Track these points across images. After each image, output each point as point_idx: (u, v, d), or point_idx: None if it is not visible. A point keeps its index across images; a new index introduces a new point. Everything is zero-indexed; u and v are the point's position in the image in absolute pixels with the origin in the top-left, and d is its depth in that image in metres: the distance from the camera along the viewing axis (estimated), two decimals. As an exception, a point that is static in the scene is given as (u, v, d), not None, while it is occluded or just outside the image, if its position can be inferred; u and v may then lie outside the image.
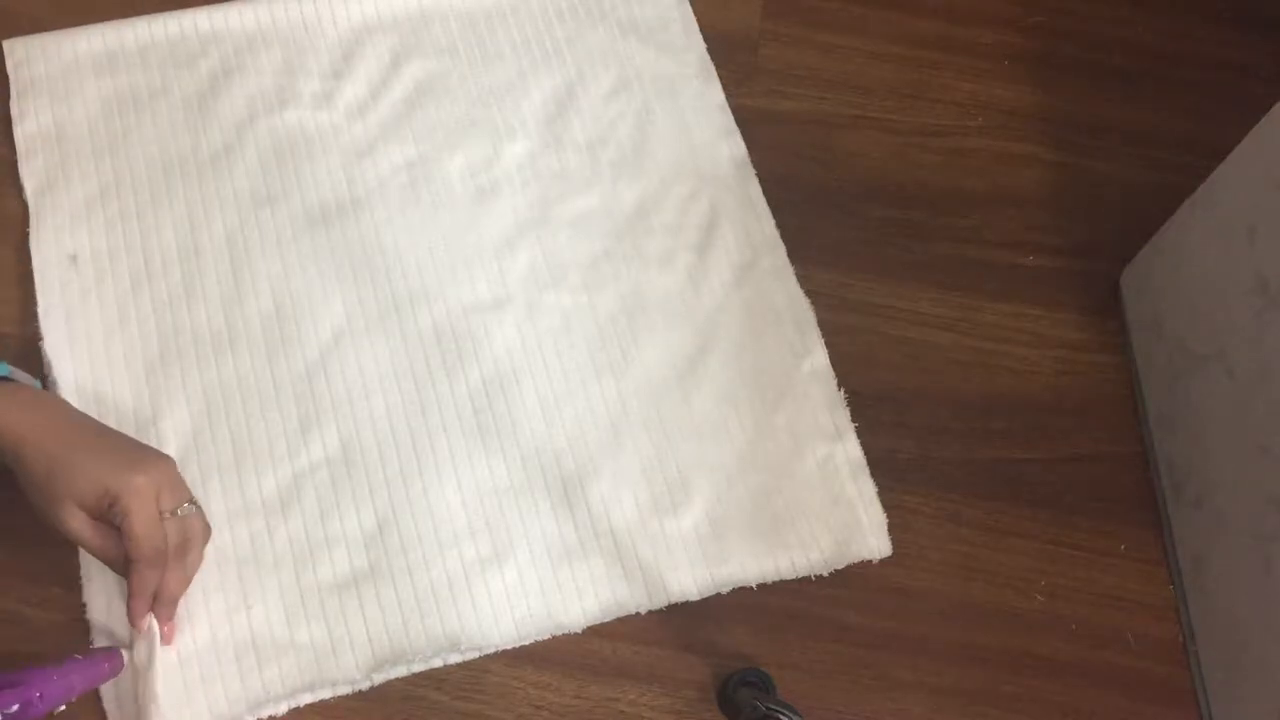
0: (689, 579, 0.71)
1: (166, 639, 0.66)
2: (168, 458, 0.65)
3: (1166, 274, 0.78)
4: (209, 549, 0.68)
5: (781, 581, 0.72)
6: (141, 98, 0.82)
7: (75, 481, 0.61)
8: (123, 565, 0.63)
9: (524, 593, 0.70)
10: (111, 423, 0.69)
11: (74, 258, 0.76)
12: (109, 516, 0.62)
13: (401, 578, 0.70)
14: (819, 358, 0.78)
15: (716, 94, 0.87)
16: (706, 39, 0.89)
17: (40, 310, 0.74)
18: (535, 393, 0.75)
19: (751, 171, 0.84)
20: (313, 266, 0.78)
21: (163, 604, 0.65)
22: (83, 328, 0.74)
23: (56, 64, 0.82)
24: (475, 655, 0.68)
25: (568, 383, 0.76)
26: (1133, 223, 0.82)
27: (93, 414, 0.68)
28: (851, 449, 0.76)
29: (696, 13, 0.90)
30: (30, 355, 0.73)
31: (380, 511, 0.71)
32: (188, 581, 0.66)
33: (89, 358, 0.73)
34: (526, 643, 0.69)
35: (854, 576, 0.72)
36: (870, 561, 0.73)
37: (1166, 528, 0.75)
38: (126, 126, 0.81)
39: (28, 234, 0.77)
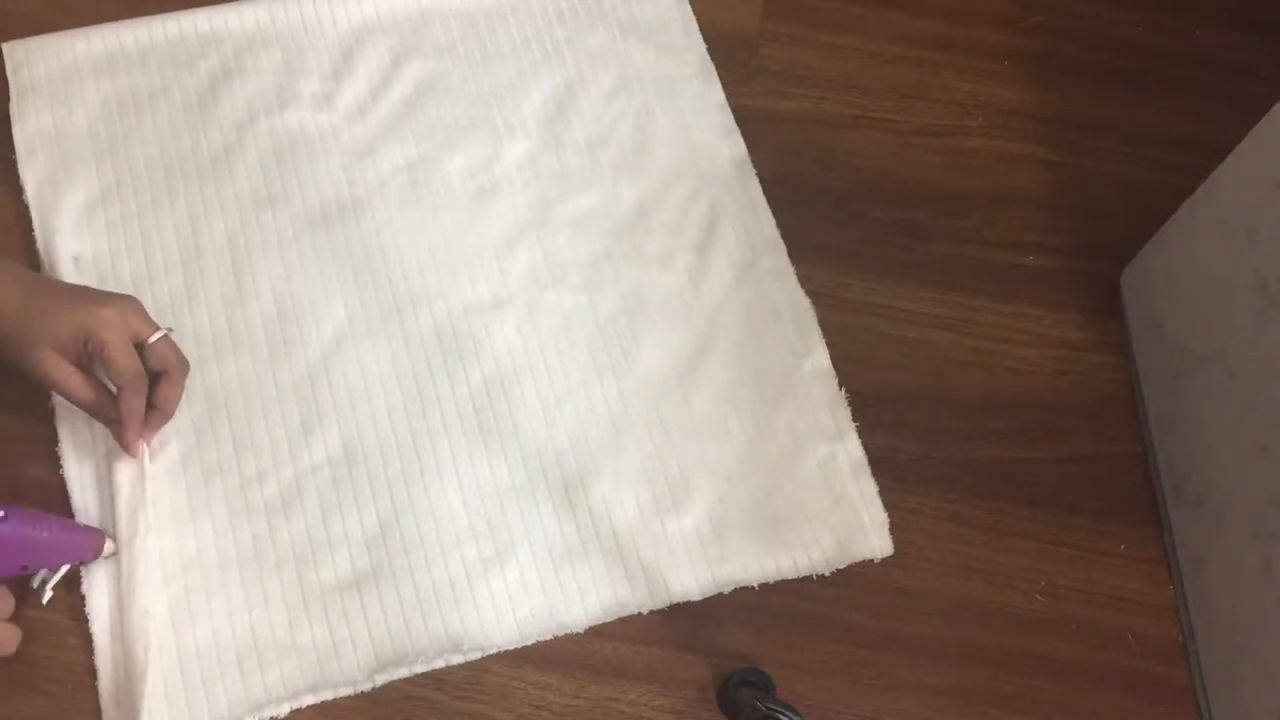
0: (690, 579, 0.71)
1: (135, 449, 0.69)
2: (131, 296, 0.69)
3: (1166, 274, 0.78)
4: (211, 553, 0.69)
5: (782, 581, 0.72)
6: (141, 99, 0.82)
7: (49, 326, 0.64)
8: (100, 407, 0.67)
9: (526, 593, 0.70)
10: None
11: (76, 259, 0.76)
12: (85, 358, 0.66)
13: (403, 578, 0.70)
14: (820, 357, 0.78)
15: (716, 94, 0.87)
16: (706, 39, 0.89)
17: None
18: (536, 393, 0.75)
19: (752, 171, 0.84)
20: (314, 267, 0.78)
21: (159, 416, 0.69)
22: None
23: (56, 66, 0.82)
24: (477, 656, 0.69)
25: (568, 383, 0.76)
26: (1133, 223, 0.82)
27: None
28: (853, 448, 0.76)
29: (696, 13, 0.90)
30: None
31: (382, 512, 0.71)
32: (177, 400, 0.70)
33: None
34: (528, 643, 0.69)
35: (855, 576, 0.73)
36: (871, 561, 0.73)
37: (1166, 528, 0.75)
38: (127, 128, 0.81)
39: (29, 235, 0.77)
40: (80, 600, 0.67)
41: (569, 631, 0.70)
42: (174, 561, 0.69)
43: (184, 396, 0.72)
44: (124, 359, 0.66)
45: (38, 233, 0.77)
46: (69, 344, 0.65)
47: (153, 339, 0.68)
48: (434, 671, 0.68)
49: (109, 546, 0.67)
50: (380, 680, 0.67)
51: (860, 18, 0.92)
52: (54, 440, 0.71)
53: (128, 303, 0.68)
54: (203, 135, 0.81)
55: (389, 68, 0.85)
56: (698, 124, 0.86)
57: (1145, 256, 0.81)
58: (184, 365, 0.70)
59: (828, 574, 0.72)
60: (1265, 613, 0.65)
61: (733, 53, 0.89)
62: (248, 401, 0.73)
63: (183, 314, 0.75)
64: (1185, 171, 0.78)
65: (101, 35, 0.83)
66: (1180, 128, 0.89)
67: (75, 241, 0.76)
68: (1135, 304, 0.81)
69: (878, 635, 0.71)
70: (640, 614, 0.70)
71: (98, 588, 0.67)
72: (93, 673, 0.66)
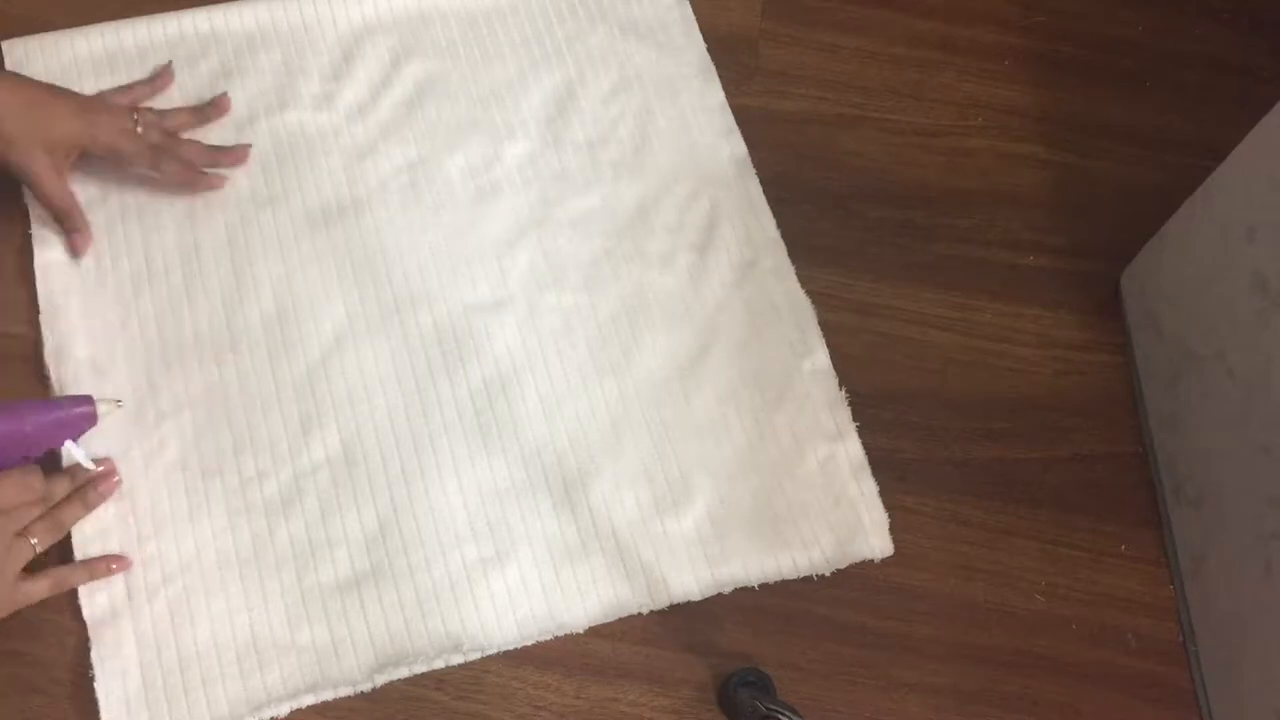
0: (691, 579, 0.71)
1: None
2: (113, 104, 0.77)
3: (1166, 274, 0.78)
4: (210, 553, 0.69)
5: (782, 581, 0.72)
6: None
7: (47, 131, 0.72)
8: (69, 212, 0.75)
9: (526, 593, 0.70)
10: (115, 420, 0.70)
11: (114, 401, 0.74)
12: (67, 167, 0.74)
13: (403, 578, 0.70)
14: (820, 357, 0.78)
15: (717, 94, 0.87)
16: (706, 39, 0.89)
17: (42, 311, 0.74)
18: (536, 393, 0.75)
19: (752, 171, 0.84)
20: (314, 267, 0.78)
21: (219, 157, 0.79)
22: (84, 329, 0.74)
23: (56, 65, 0.82)
24: (477, 656, 0.68)
25: (569, 383, 0.76)
26: (1133, 223, 0.82)
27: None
28: (853, 449, 0.76)
29: (696, 13, 0.90)
30: (36, 355, 0.73)
31: (382, 512, 0.71)
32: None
33: (91, 359, 0.73)
34: (528, 643, 0.69)
35: (854, 576, 0.73)
36: (871, 561, 0.73)
37: (1166, 528, 0.75)
38: None
39: (29, 235, 0.76)
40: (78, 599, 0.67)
41: (569, 631, 0.70)
42: (173, 562, 0.69)
43: (185, 395, 0.73)
44: (131, 148, 0.75)
45: (35, 232, 0.76)
46: (61, 150, 0.73)
47: (139, 128, 0.75)
48: (434, 671, 0.68)
49: (103, 407, 0.68)
50: (380, 680, 0.67)
51: (860, 18, 0.92)
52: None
53: (107, 107, 0.75)
54: (203, 135, 0.81)
55: (389, 68, 0.85)
56: (698, 124, 0.86)
57: (1145, 256, 0.81)
58: (177, 132, 0.79)
59: (828, 574, 0.72)
60: (1265, 613, 0.65)
61: (733, 53, 0.89)
62: (247, 401, 0.73)
63: (182, 313, 0.75)
64: (1185, 171, 0.78)
65: (101, 34, 0.83)
66: (1180, 128, 0.90)
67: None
68: (1135, 304, 0.81)
69: (878, 635, 0.71)
70: (640, 614, 0.70)
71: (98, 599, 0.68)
72: (92, 673, 0.66)
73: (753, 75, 0.89)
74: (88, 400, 0.67)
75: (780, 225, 0.82)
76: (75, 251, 0.75)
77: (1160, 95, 0.91)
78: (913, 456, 0.76)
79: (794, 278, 0.81)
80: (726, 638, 0.71)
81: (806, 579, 0.72)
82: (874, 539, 0.73)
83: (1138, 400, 0.80)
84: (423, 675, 0.68)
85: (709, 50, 0.88)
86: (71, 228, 0.75)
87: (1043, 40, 0.93)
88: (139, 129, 0.75)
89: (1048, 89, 0.91)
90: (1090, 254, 0.84)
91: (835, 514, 0.74)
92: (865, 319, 0.81)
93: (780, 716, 0.62)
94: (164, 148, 0.77)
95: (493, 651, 0.69)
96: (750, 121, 0.86)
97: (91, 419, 0.67)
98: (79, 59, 0.82)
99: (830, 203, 0.85)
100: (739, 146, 0.85)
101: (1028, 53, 0.92)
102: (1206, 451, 0.72)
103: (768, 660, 0.70)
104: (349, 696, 0.67)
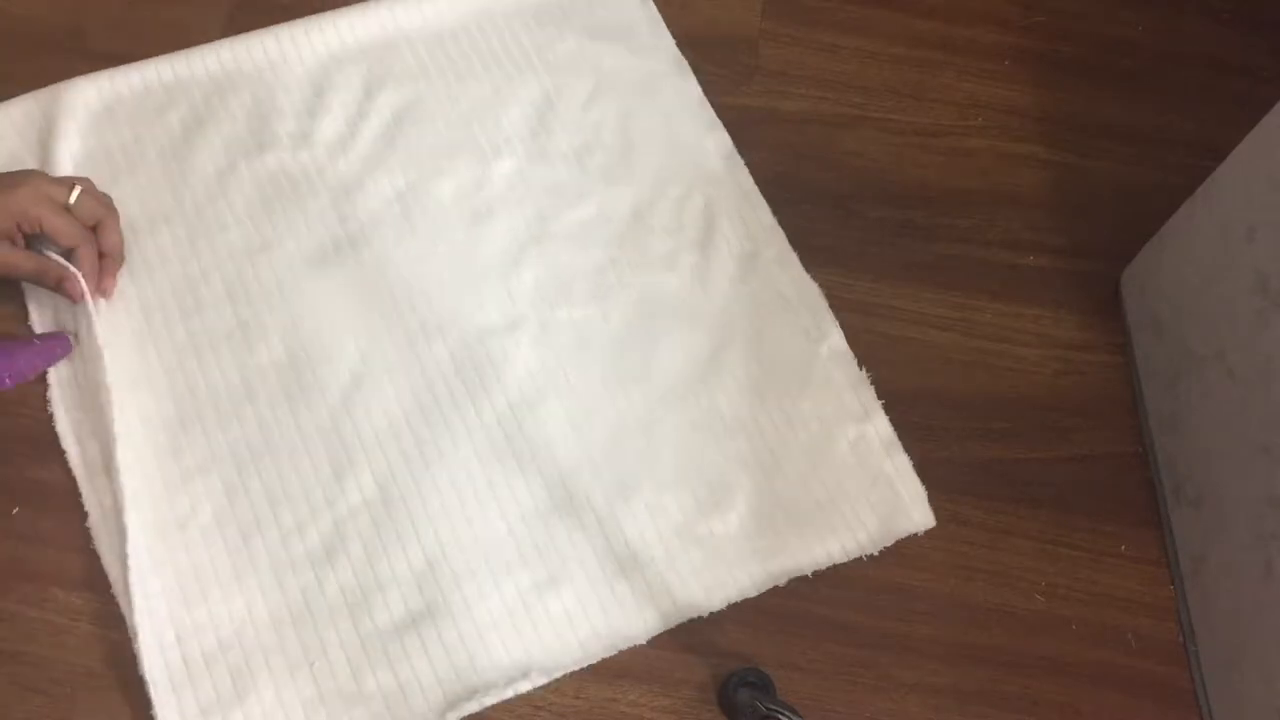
0: (744, 576, 0.71)
1: (109, 294, 0.74)
2: (32, 170, 0.73)
3: (1166, 274, 0.78)
4: (262, 612, 0.68)
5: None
6: (115, 156, 0.80)
7: None
8: (44, 271, 0.71)
9: (585, 613, 0.69)
10: (136, 484, 0.70)
11: (74, 335, 0.74)
12: (16, 238, 0.70)
13: (460, 613, 0.69)
14: (835, 340, 0.78)
15: (694, 89, 0.86)
16: (707, 39, 0.89)
17: (52, 388, 0.73)
18: (564, 411, 0.75)
19: (740, 163, 0.84)
20: (320, 310, 0.76)
21: (112, 261, 0.74)
22: (93, 398, 0.72)
23: (31, 133, 0.79)
24: (545, 680, 0.68)
25: (594, 397, 0.75)
26: (1133, 223, 0.82)
27: (118, 482, 0.69)
28: (881, 426, 0.76)
29: (697, 13, 0.90)
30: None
31: (428, 549, 0.70)
32: (120, 240, 0.74)
33: (104, 429, 0.71)
34: (593, 661, 0.68)
35: (854, 577, 0.73)
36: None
37: (1166, 528, 0.75)
38: (101, 186, 0.75)
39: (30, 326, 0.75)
40: (84, 600, 0.68)
41: (633, 644, 0.69)
42: (226, 626, 0.67)
43: (209, 454, 0.72)
44: (63, 224, 0.70)
45: (33, 313, 0.75)
46: (2, 230, 0.69)
47: (73, 199, 0.71)
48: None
49: (72, 340, 0.73)
50: (453, 718, 0.66)
51: (860, 18, 0.92)
52: (54, 440, 0.71)
53: (35, 176, 0.71)
54: (184, 186, 0.79)
55: (362, 98, 0.84)
56: (680, 121, 0.85)
57: (1145, 256, 0.81)
58: (112, 209, 0.74)
59: (876, 553, 0.72)
60: (1265, 613, 0.65)
61: (733, 53, 0.89)
62: (274, 453, 0.72)
63: (193, 371, 0.74)
64: (1185, 171, 0.78)
65: (64, 91, 0.80)
66: (1180, 128, 0.89)
67: (69, 312, 0.75)
68: (1135, 304, 0.81)
69: (878, 635, 0.71)
70: (702, 618, 0.70)
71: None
72: (92, 674, 0.66)
73: (753, 75, 0.89)
74: (64, 338, 0.73)
75: (780, 225, 0.82)
76: (74, 297, 0.71)
77: (1160, 95, 0.91)
78: (912, 456, 0.76)
79: (798, 264, 0.80)
80: (726, 638, 0.70)
81: (804, 578, 0.72)
82: (914, 513, 0.73)
83: (1138, 400, 0.79)
84: (423, 675, 0.68)
85: (709, 50, 0.88)
86: (56, 279, 0.71)
87: (1043, 40, 0.93)
88: (73, 201, 0.71)
89: (1048, 89, 0.91)
90: (1090, 254, 0.84)
91: (874, 493, 0.74)
92: (865, 319, 0.81)
93: (780, 716, 0.62)
94: (91, 233, 0.72)
95: (560, 674, 0.68)
96: (750, 121, 0.86)
97: (67, 349, 0.73)
98: (48, 121, 0.80)
99: (830, 203, 0.85)
100: (724, 140, 0.85)
101: (1028, 53, 0.92)
102: (1206, 451, 0.72)
103: (768, 660, 0.70)
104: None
